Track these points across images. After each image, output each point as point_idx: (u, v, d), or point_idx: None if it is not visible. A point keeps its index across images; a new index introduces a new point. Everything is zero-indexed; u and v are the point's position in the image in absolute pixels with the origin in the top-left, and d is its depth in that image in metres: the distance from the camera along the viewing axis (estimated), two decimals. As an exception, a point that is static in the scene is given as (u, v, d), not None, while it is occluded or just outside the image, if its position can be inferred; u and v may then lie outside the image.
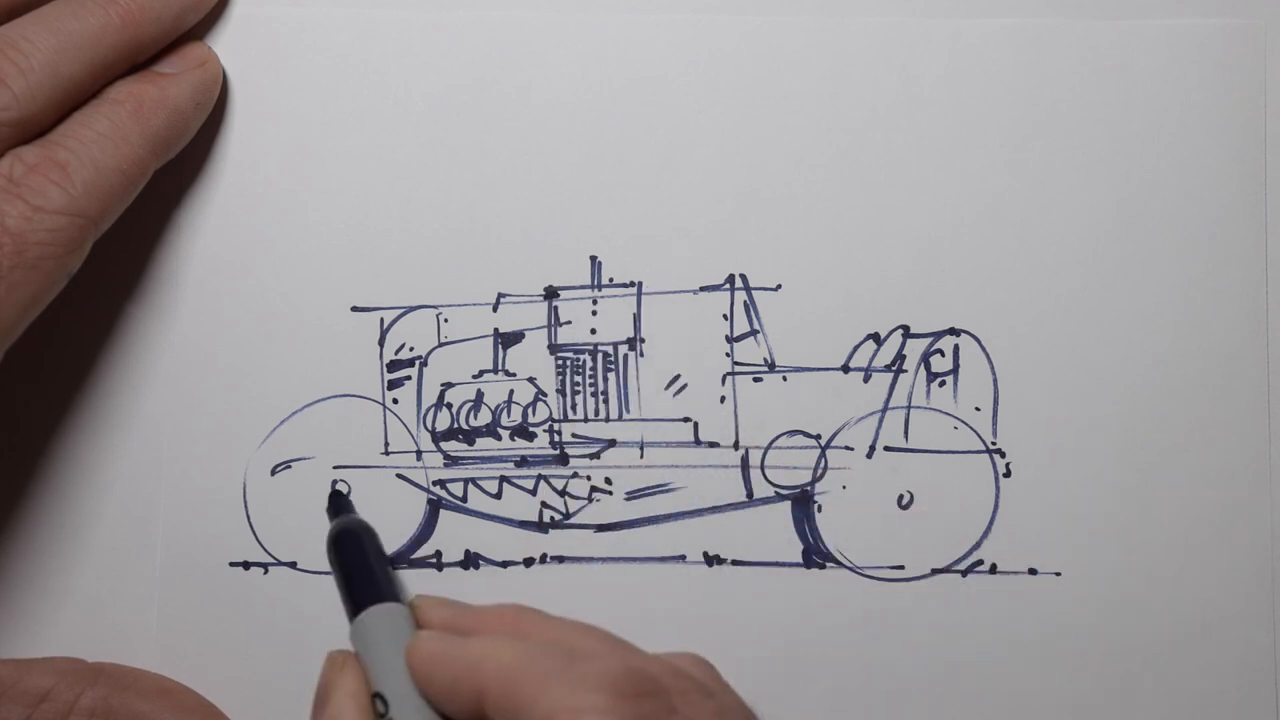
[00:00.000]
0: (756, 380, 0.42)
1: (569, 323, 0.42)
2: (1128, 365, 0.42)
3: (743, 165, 0.42)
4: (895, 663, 0.41)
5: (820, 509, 0.42)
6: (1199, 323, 0.42)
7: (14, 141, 0.37)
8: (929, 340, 0.42)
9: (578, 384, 0.42)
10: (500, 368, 0.42)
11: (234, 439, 0.42)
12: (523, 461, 0.42)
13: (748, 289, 0.42)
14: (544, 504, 0.42)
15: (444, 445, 0.42)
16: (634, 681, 0.31)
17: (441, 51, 0.43)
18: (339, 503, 0.39)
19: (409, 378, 0.42)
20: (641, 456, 0.42)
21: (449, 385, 0.42)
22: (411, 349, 0.42)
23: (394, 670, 0.33)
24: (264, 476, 0.42)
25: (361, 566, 0.36)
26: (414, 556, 0.42)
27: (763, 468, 0.42)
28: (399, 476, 0.42)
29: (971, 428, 0.42)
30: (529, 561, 0.42)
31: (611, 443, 0.42)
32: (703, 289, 0.42)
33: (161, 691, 0.40)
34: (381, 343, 0.42)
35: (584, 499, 0.42)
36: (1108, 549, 0.41)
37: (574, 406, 0.42)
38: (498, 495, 0.42)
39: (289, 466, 0.42)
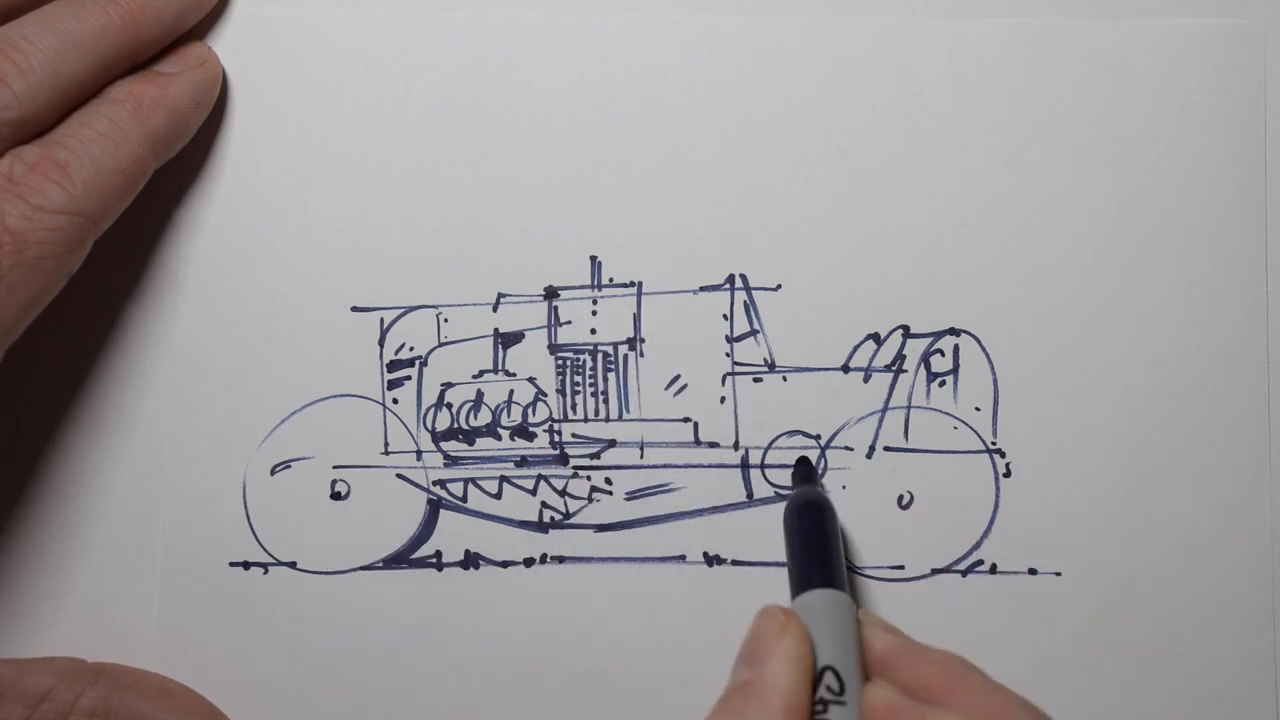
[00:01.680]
0: (756, 380, 0.42)
1: (569, 323, 0.42)
2: (1128, 365, 0.42)
3: (743, 165, 0.42)
4: (895, 663, 0.41)
5: (810, 467, 0.42)
6: (1199, 323, 0.42)
7: (14, 141, 0.37)
8: (929, 340, 0.42)
9: (578, 384, 0.42)
10: (500, 368, 0.42)
11: (234, 439, 0.42)
12: (523, 461, 0.42)
13: (748, 289, 0.42)
14: (544, 504, 0.42)
15: (444, 445, 0.42)
16: None
17: (441, 51, 0.43)
18: (807, 471, 0.39)
19: (409, 378, 0.42)
20: (641, 456, 0.42)
21: (449, 385, 0.42)
22: (411, 349, 0.42)
23: (850, 655, 0.33)
24: (264, 476, 0.42)
25: (827, 543, 0.36)
26: (414, 556, 0.42)
27: (763, 468, 0.42)
28: (399, 476, 0.42)
29: (971, 428, 0.42)
30: (529, 561, 0.42)
31: (611, 443, 0.42)
32: (703, 289, 0.42)
33: (161, 691, 0.40)
34: (381, 343, 0.42)
35: (584, 499, 0.42)
36: (1108, 549, 0.41)
37: (574, 406, 0.42)
38: (498, 495, 0.42)
39: (289, 466, 0.42)
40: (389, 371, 0.42)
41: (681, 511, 0.42)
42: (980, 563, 0.41)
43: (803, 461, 0.41)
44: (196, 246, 0.42)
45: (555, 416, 0.42)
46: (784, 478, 0.42)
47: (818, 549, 0.36)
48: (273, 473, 0.42)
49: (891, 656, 0.34)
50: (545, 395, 0.42)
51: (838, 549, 0.37)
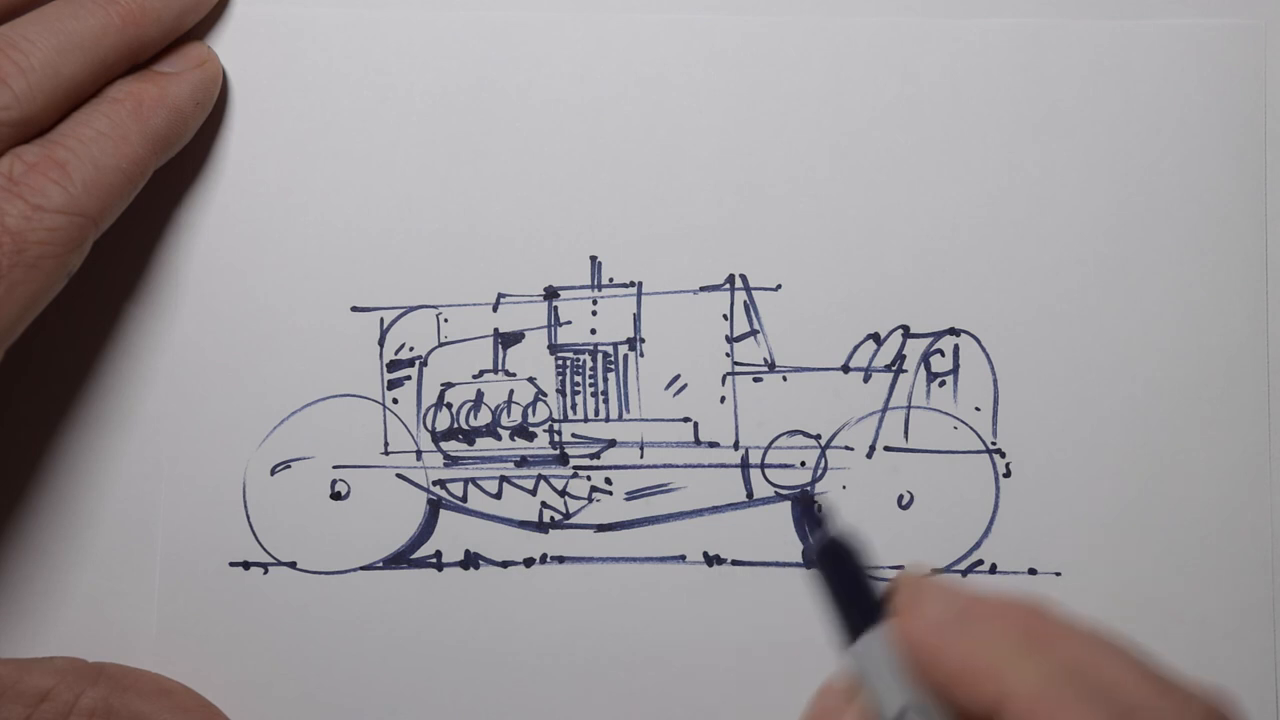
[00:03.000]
0: (756, 380, 0.42)
1: (569, 323, 0.42)
2: (1128, 365, 0.42)
3: (742, 165, 0.42)
4: (895, 663, 0.41)
5: (820, 509, 0.42)
6: (1199, 323, 0.42)
7: (14, 141, 0.37)
8: (929, 340, 0.42)
9: (578, 384, 0.42)
10: (500, 368, 0.42)
11: (234, 439, 0.42)
12: (523, 461, 0.42)
13: (748, 289, 0.42)
14: (544, 504, 0.42)
15: (444, 445, 0.42)
16: None
17: (441, 51, 0.43)
18: (818, 513, 0.36)
19: (409, 378, 0.42)
20: (641, 456, 0.42)
21: (449, 385, 0.42)
22: (411, 349, 0.42)
23: (909, 694, 0.30)
24: (264, 476, 0.42)
25: (860, 582, 0.33)
26: (414, 556, 0.42)
27: (763, 468, 0.42)
28: (399, 476, 0.42)
29: (971, 428, 0.42)
30: (529, 561, 0.42)
31: (611, 443, 0.42)
32: (703, 289, 0.42)
33: (161, 691, 0.40)
34: (381, 343, 0.42)
35: (584, 499, 0.42)
36: (1108, 549, 0.41)
37: (574, 406, 0.42)
38: (498, 495, 0.42)
39: (289, 466, 0.42)
40: (389, 371, 0.42)
41: (681, 511, 0.42)
42: (980, 563, 0.41)
43: (809, 502, 0.39)
44: (196, 246, 0.42)
45: (555, 416, 0.42)
46: (784, 477, 0.42)
47: (858, 590, 0.33)
48: (273, 473, 0.42)
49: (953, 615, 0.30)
50: (545, 395, 0.42)
51: (870, 581, 0.33)
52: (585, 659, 0.41)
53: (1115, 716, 0.27)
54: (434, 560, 0.42)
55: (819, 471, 0.42)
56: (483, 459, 0.42)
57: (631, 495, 0.42)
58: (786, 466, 0.42)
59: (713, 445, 0.42)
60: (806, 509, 0.39)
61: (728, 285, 0.42)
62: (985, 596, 0.30)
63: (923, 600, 0.30)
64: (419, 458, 0.42)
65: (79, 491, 0.42)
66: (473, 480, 0.42)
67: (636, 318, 0.42)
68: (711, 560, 0.42)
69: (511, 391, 0.42)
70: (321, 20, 0.43)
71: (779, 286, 0.42)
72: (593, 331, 0.42)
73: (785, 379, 0.42)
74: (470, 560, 0.42)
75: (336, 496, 0.42)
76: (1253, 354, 0.42)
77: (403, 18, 0.43)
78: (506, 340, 0.42)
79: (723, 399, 0.42)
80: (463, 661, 0.41)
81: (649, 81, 0.43)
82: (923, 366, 0.42)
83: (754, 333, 0.42)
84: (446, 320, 0.42)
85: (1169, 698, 0.28)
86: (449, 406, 0.42)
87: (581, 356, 0.42)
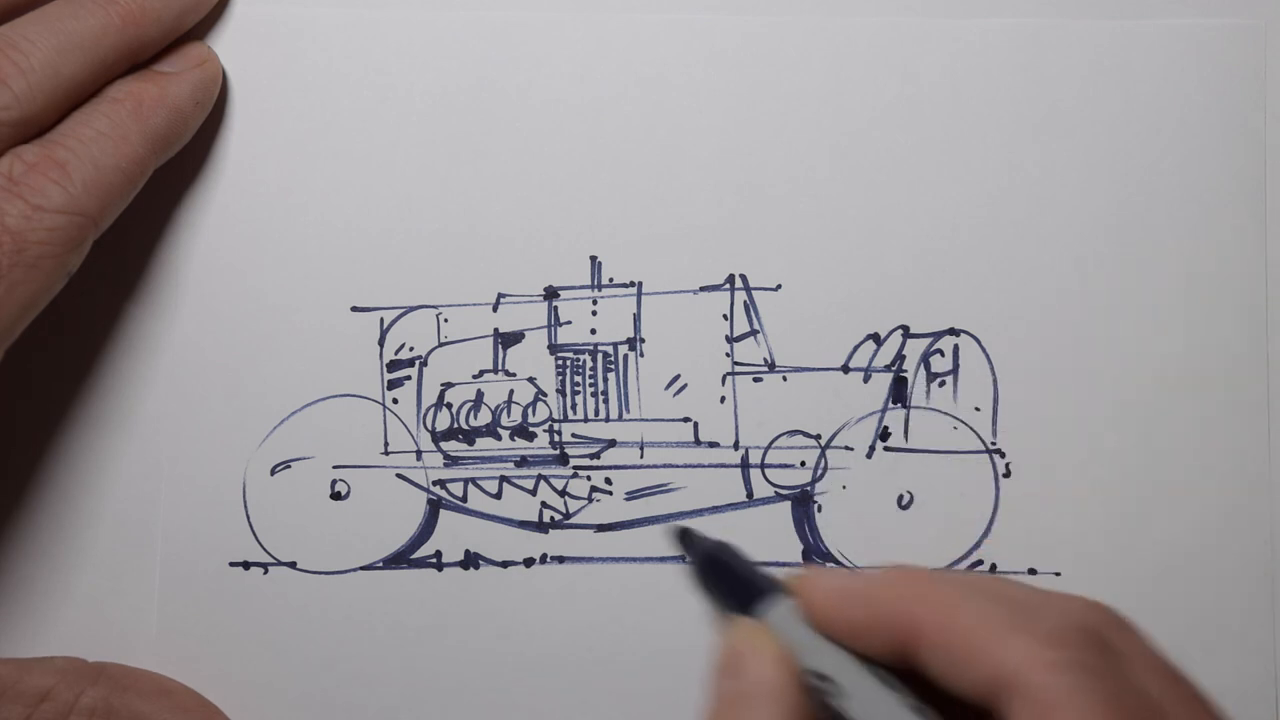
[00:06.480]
0: (756, 380, 0.42)
1: (569, 323, 0.42)
2: (1127, 366, 0.42)
3: (742, 165, 0.42)
4: (895, 663, 0.41)
5: (820, 509, 0.42)
6: (1199, 323, 0.42)
7: (14, 141, 0.37)
8: (929, 340, 0.42)
9: (578, 384, 0.42)
10: (500, 368, 0.42)
11: (234, 439, 0.42)
12: (523, 461, 0.42)
13: (748, 289, 0.42)
14: (544, 504, 0.42)
15: (444, 445, 0.42)
16: (1085, 635, 0.29)
17: (441, 51, 0.43)
18: (688, 536, 0.37)
19: (409, 378, 0.42)
20: (641, 456, 0.42)
21: (449, 385, 0.42)
22: (411, 349, 0.42)
23: (825, 647, 0.32)
24: (264, 476, 0.42)
25: (746, 571, 0.35)
26: (414, 556, 0.42)
27: (763, 468, 0.42)
28: (399, 476, 0.42)
29: (971, 428, 0.42)
30: (529, 561, 0.42)
31: (611, 443, 0.42)
32: (703, 289, 0.42)
33: (161, 691, 0.40)
34: (381, 343, 0.42)
35: (584, 499, 0.42)
36: (1107, 549, 0.41)
37: (574, 406, 0.42)
38: (498, 495, 0.42)
39: (289, 466, 0.42)
40: (389, 371, 0.42)
41: (681, 511, 0.42)
42: (980, 563, 0.41)
43: (681, 532, 0.37)
44: (196, 246, 0.42)
45: (555, 416, 0.42)
46: (784, 477, 0.42)
47: (745, 577, 0.34)
48: (273, 473, 0.42)
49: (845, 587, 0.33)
50: (545, 395, 0.42)
51: (751, 566, 0.35)
52: (585, 659, 0.41)
53: (1010, 610, 0.30)
54: (434, 560, 0.42)
55: (819, 471, 0.42)
56: (483, 459, 0.42)
57: (631, 495, 0.42)
58: (786, 466, 0.42)
59: (713, 445, 0.42)
60: (679, 537, 0.38)
61: (728, 285, 0.42)
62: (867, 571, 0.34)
63: (819, 572, 0.35)
64: (419, 458, 0.42)
65: (79, 491, 0.42)
66: (473, 480, 0.42)
67: (636, 318, 0.42)
68: (711, 560, 0.41)
69: (511, 391, 0.42)
70: (321, 20, 0.43)
71: (779, 286, 0.42)
72: (593, 331, 0.42)
73: (785, 379, 0.42)
74: (470, 560, 0.42)
75: (336, 496, 0.42)
76: (1253, 354, 0.42)
77: (403, 18, 0.43)
78: (506, 340, 0.42)
79: (723, 399, 0.42)
80: (463, 661, 0.41)
81: (649, 81, 0.43)
82: (922, 366, 0.42)
83: (754, 333, 0.42)
84: (446, 320, 0.42)
85: (1051, 596, 0.31)
86: (449, 406, 0.42)
87: (581, 356, 0.42)
